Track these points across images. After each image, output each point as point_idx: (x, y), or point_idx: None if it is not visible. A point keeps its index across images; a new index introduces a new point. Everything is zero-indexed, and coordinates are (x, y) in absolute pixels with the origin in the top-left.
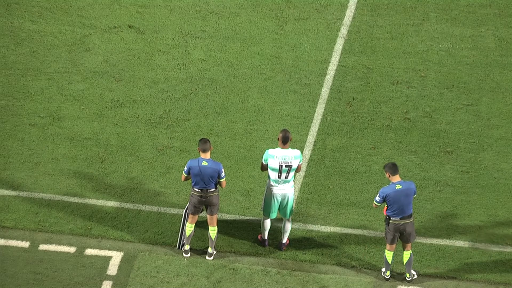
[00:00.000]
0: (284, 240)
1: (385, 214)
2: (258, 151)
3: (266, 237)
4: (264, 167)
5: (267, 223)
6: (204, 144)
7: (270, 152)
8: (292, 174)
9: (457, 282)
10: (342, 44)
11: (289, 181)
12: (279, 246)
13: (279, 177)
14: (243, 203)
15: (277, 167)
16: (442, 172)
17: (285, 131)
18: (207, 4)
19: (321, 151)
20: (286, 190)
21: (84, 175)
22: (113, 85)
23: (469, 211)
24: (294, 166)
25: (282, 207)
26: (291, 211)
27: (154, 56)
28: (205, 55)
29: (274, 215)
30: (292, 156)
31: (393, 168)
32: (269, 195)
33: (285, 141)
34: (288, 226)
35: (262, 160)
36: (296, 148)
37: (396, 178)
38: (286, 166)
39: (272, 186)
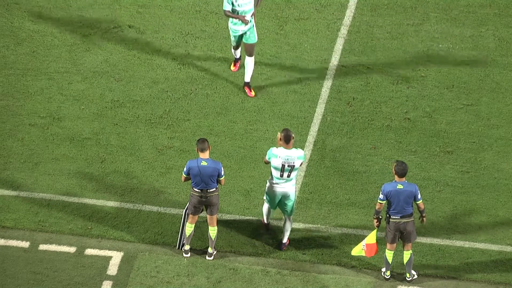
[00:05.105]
0: (284, 240)
1: (376, 226)
2: (258, 151)
3: (266, 221)
4: (267, 162)
5: (268, 209)
6: (202, 143)
7: (273, 151)
8: (294, 173)
9: (457, 282)
10: (342, 44)
11: (290, 180)
12: (279, 246)
13: (281, 176)
14: (243, 203)
15: (280, 166)
16: (442, 172)
17: (286, 130)
18: (207, 4)
19: (321, 151)
20: (287, 189)
21: (84, 175)
22: (113, 85)
23: (469, 211)
24: (297, 166)
25: (283, 204)
26: (292, 209)
27: (154, 56)
28: (205, 55)
29: (274, 207)
30: (295, 156)
31: (401, 173)
32: (270, 191)
33: (287, 140)
34: (289, 226)
35: (265, 156)
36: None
37: (401, 180)
38: (288, 166)
39: (274, 183)
